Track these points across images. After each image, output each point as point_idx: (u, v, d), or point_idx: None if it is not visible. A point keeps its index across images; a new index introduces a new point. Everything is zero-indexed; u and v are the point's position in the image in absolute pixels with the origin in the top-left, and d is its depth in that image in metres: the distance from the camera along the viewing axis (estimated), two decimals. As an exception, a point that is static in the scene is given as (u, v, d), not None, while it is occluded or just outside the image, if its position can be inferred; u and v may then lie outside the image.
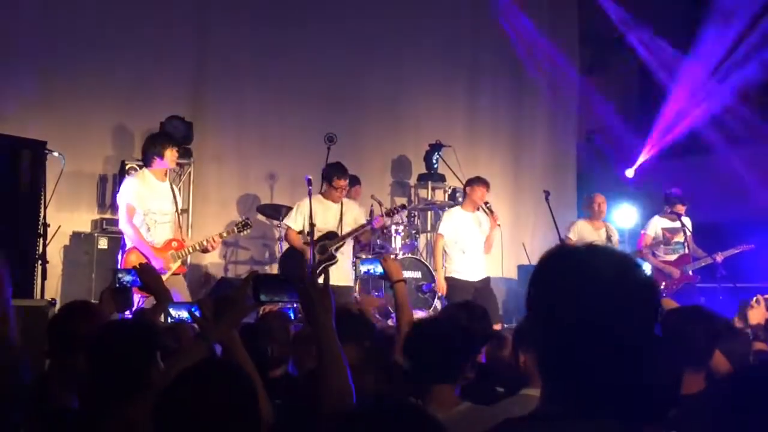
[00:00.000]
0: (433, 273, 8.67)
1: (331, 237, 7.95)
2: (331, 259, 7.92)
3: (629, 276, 1.54)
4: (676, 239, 9.20)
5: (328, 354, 2.36)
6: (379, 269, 4.11)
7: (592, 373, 1.49)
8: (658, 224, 9.30)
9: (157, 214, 6.79)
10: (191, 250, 6.95)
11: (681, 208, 9.17)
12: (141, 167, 7.44)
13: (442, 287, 8.32)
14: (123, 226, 6.78)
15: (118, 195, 6.96)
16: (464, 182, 8.66)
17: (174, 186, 7.27)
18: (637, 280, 1.54)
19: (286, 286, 2.59)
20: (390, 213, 8.48)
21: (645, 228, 9.46)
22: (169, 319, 3.25)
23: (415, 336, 3.15)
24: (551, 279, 1.57)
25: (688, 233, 9.11)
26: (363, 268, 4.20)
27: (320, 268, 7.66)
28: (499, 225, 8.53)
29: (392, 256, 4.22)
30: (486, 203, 8.38)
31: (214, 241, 6.95)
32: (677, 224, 9.15)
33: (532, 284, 1.59)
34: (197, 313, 2.68)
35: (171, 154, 6.89)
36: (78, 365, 2.94)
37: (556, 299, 1.54)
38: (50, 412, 2.95)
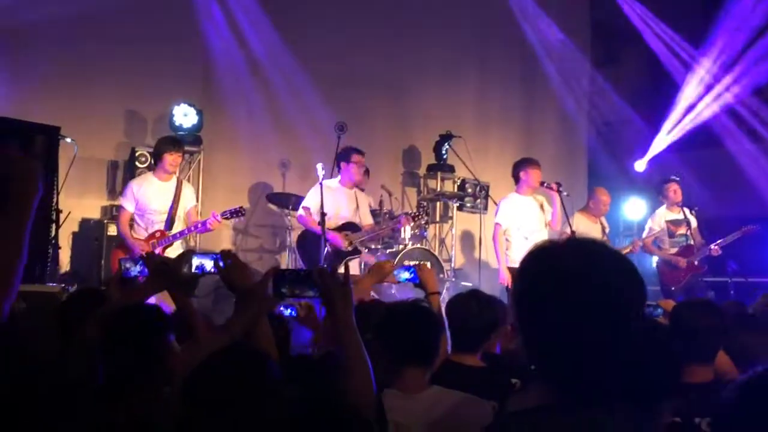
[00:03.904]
0: (498, 265, 8.21)
1: (352, 228, 7.94)
2: (357, 252, 7.93)
3: (608, 267, 1.56)
4: (680, 231, 9.15)
5: (350, 347, 2.39)
6: (408, 275, 4.07)
7: (578, 365, 1.51)
8: (662, 217, 9.24)
9: (154, 213, 7.42)
10: (177, 236, 7.43)
11: (674, 187, 9.09)
12: (151, 154, 8.22)
13: (506, 279, 7.92)
14: (118, 227, 7.65)
15: (121, 197, 7.70)
16: (514, 165, 8.28)
17: (185, 183, 7.80)
18: (617, 270, 1.56)
19: (307, 281, 2.61)
20: (416, 217, 8.37)
21: (650, 221, 9.40)
22: (193, 268, 3.23)
23: (388, 319, 3.15)
24: (534, 275, 1.60)
25: (693, 225, 9.07)
26: (397, 274, 4.16)
27: (347, 259, 7.72)
28: (560, 192, 8.03)
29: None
30: (542, 183, 8.08)
31: (212, 221, 7.31)
32: (681, 216, 9.11)
33: (516, 280, 1.62)
34: (221, 263, 2.74)
35: (170, 158, 7.40)
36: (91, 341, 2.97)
37: (538, 294, 1.56)
38: (69, 387, 2.97)
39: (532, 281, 1.59)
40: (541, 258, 1.61)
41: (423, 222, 8.92)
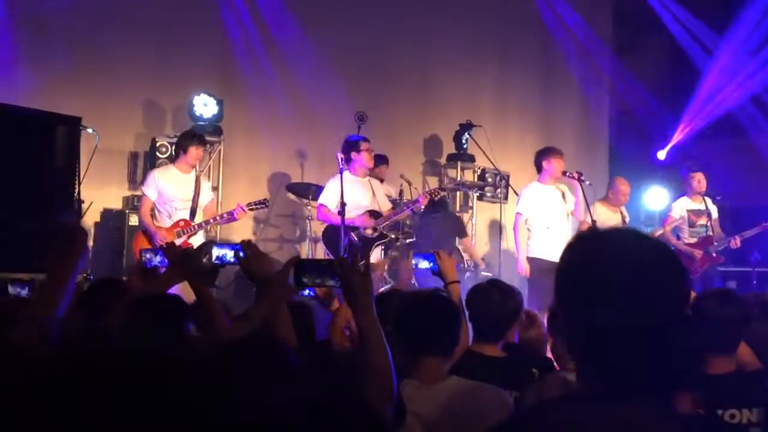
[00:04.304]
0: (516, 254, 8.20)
1: (374, 215, 7.93)
2: (383, 237, 7.93)
3: (658, 258, 1.54)
4: (700, 222, 9.08)
5: (370, 336, 2.38)
6: (426, 264, 4.07)
7: (619, 355, 1.50)
8: (684, 206, 9.17)
9: (176, 201, 7.52)
10: (202, 225, 7.56)
11: (699, 176, 9.02)
12: (171, 144, 8.33)
13: (525, 269, 7.90)
14: (139, 215, 7.73)
15: (142, 186, 7.75)
16: (536, 154, 8.20)
17: (202, 178, 7.91)
18: (666, 262, 1.54)
19: (328, 270, 2.60)
20: (433, 194, 8.29)
21: (670, 209, 9.33)
22: (213, 258, 3.25)
23: (407, 308, 3.13)
24: (579, 263, 1.58)
25: (714, 216, 9.01)
26: (415, 262, 4.16)
27: (374, 245, 7.74)
28: (582, 181, 7.94)
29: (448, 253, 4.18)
30: (564, 172, 8.01)
31: (239, 212, 7.54)
32: (702, 206, 9.05)
33: (560, 268, 1.60)
34: (241, 254, 2.74)
35: (194, 152, 7.60)
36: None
37: (584, 282, 1.55)
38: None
39: (581, 269, 1.58)
40: (588, 245, 1.60)
41: (439, 197, 8.84)
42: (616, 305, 1.49)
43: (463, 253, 8.91)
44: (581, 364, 1.59)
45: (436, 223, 8.77)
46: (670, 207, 9.44)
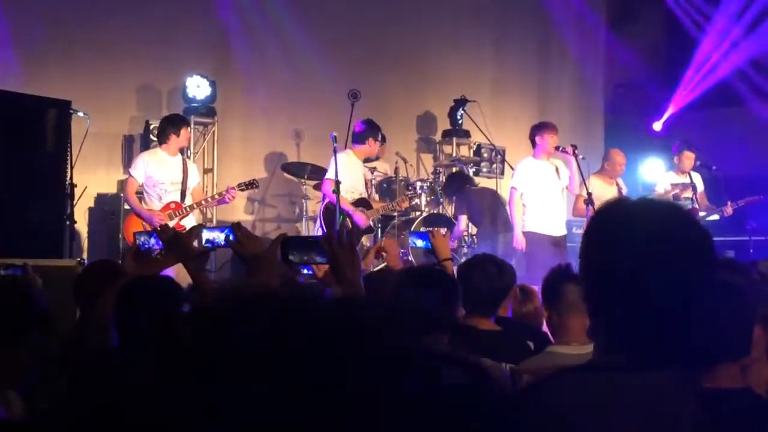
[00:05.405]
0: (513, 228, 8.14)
1: (364, 205, 7.94)
2: (370, 231, 7.96)
3: (684, 226, 1.53)
4: (685, 195, 9.07)
5: None
6: (421, 243, 4.08)
7: (647, 325, 1.48)
8: (667, 180, 9.18)
9: (166, 183, 7.51)
10: (194, 207, 7.60)
11: (689, 155, 9.02)
12: (159, 128, 8.05)
13: (521, 242, 7.89)
14: (126, 197, 7.75)
15: (130, 168, 7.71)
16: (531, 129, 8.18)
17: (188, 160, 7.96)
18: (692, 230, 1.53)
19: (315, 247, 2.59)
20: (411, 198, 8.67)
21: (655, 185, 9.33)
22: (203, 242, 3.24)
23: (403, 284, 3.10)
24: (605, 232, 1.57)
25: (699, 189, 9.00)
26: (411, 241, 4.19)
27: (363, 235, 7.81)
28: (576, 155, 7.86)
29: (443, 231, 4.20)
30: (557, 147, 7.98)
31: (230, 194, 7.64)
32: (687, 180, 9.04)
33: (587, 237, 1.59)
34: (232, 237, 2.74)
35: (185, 133, 7.74)
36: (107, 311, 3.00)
37: (610, 252, 1.53)
38: (87, 356, 3.01)
39: (606, 236, 1.56)
40: (617, 213, 1.59)
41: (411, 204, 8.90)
42: (639, 274, 1.48)
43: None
44: (602, 333, 1.57)
45: (482, 195, 8.78)
46: (655, 183, 9.46)
